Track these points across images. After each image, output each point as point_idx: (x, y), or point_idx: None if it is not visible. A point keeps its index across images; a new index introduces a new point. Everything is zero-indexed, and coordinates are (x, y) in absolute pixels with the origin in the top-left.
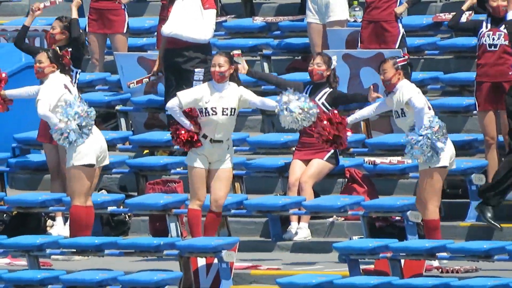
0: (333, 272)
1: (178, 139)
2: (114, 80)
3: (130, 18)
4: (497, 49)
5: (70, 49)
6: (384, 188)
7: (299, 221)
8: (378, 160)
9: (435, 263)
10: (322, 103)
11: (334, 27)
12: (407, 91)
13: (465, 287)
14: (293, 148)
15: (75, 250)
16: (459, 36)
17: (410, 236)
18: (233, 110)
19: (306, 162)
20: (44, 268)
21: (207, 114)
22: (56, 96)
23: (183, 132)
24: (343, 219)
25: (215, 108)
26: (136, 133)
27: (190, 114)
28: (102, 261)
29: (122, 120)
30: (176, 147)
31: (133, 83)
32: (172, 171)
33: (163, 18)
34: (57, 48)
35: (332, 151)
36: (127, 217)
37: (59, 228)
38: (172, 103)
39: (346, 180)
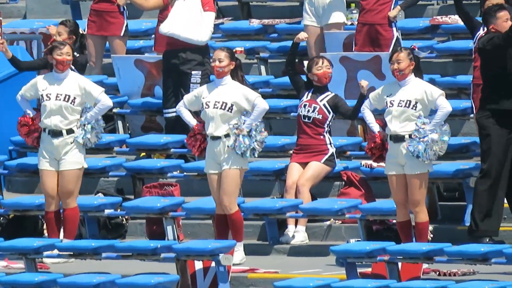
0: (330, 276)
1: (200, 148)
2: (112, 83)
3: (127, 20)
4: None
5: (77, 54)
6: (381, 191)
7: (296, 224)
8: (375, 163)
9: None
10: (324, 105)
11: (331, 29)
12: (433, 87)
13: None
14: (291, 151)
15: (72, 253)
16: (456, 39)
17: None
18: (225, 104)
19: (304, 165)
20: (42, 271)
21: (203, 108)
22: None
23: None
24: (340, 222)
25: (209, 102)
26: (133, 136)
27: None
28: (99, 264)
29: (119, 123)
30: (172, 150)
31: None
32: (169, 174)
33: (161, 20)
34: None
35: (330, 153)
36: (124, 220)
37: None
38: (179, 104)
39: (343, 183)
